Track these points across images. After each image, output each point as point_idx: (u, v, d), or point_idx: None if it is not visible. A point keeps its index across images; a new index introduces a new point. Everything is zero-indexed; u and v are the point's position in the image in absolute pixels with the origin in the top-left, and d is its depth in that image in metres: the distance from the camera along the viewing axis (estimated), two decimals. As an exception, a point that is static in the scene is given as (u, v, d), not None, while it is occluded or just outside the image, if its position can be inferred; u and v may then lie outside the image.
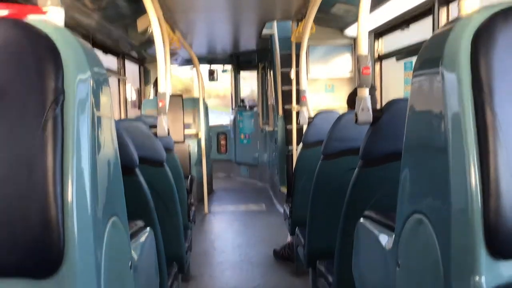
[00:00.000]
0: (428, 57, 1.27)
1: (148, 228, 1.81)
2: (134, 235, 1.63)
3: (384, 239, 1.58)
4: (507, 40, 1.08)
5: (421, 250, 1.26)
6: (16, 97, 1.05)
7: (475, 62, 1.07)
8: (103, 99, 1.26)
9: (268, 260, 4.71)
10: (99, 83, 1.24)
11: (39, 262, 1.06)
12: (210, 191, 7.97)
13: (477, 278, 1.04)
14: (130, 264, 1.45)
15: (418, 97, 1.31)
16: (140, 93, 7.81)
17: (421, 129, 1.28)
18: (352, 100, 3.63)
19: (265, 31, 6.87)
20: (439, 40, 1.19)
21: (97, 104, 1.20)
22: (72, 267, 1.07)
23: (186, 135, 6.82)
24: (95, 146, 1.17)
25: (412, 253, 1.34)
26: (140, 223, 1.77)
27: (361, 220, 1.80)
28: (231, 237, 5.78)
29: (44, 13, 1.26)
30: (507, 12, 1.10)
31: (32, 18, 1.18)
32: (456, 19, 1.20)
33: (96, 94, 1.19)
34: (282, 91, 6.81)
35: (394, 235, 1.48)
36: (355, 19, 4.93)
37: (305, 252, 3.22)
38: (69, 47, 1.13)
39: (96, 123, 1.18)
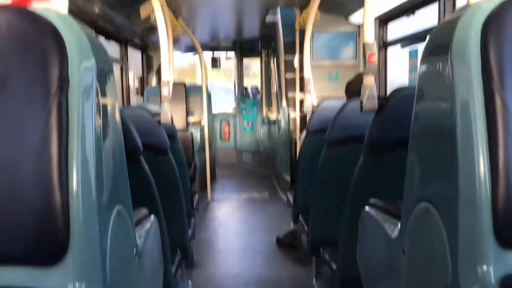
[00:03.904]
0: (437, 45, 1.25)
1: (152, 216, 1.80)
2: (138, 222, 1.63)
3: (390, 227, 1.57)
4: None
5: (428, 239, 1.26)
6: (20, 85, 1.05)
7: (485, 50, 1.06)
8: (108, 86, 1.25)
9: (271, 247, 4.72)
10: (104, 71, 1.23)
11: (45, 250, 1.05)
12: (213, 178, 7.97)
13: (485, 267, 1.03)
14: (135, 252, 1.45)
15: (426, 84, 1.30)
16: (142, 80, 7.78)
17: (429, 116, 1.27)
18: (349, 89, 3.60)
19: (268, 18, 6.83)
20: (448, 27, 1.17)
21: (101, 92, 1.19)
22: (78, 255, 1.07)
23: (189, 122, 6.81)
24: (100, 133, 1.16)
25: (418, 241, 1.34)
26: (144, 210, 1.77)
27: (366, 208, 1.80)
28: (234, 224, 5.79)
29: (48, 0, 1.25)
30: None
31: (36, 6, 1.17)
32: (466, 7, 1.18)
33: (100, 81, 1.18)
34: (286, 79, 6.78)
35: (400, 223, 1.47)
36: (359, 5, 4.89)
37: (308, 239, 3.22)
38: (73, 35, 1.12)
39: (100, 110, 1.17)
